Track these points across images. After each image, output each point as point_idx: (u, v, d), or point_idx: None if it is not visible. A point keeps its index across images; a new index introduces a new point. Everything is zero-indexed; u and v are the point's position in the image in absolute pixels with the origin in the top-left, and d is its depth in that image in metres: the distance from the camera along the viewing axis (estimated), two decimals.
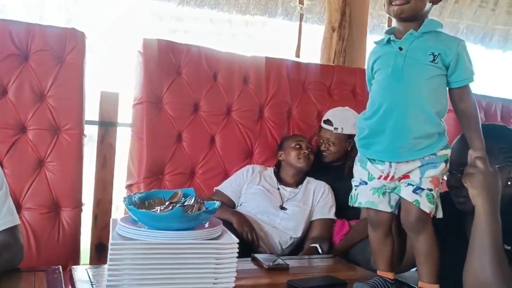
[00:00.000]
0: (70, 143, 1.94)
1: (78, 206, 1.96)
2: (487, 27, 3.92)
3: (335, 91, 2.56)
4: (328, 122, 2.24)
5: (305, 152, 2.09)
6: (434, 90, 1.13)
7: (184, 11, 2.95)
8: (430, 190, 1.13)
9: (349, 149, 2.23)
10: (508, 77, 3.93)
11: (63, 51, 1.97)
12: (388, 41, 1.17)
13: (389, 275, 1.25)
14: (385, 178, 1.17)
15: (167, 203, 1.10)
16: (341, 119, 2.23)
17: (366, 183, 1.21)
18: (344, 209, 2.12)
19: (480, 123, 1.16)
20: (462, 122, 1.16)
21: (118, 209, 2.55)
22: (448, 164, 1.16)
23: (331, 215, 2.06)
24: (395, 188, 1.18)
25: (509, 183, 1.21)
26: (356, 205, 1.25)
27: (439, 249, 1.18)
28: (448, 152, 1.16)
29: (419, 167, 1.14)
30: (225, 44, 3.03)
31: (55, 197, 1.90)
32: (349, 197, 1.28)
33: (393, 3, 1.13)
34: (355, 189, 1.25)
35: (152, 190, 1.20)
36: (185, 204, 1.08)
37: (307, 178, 2.14)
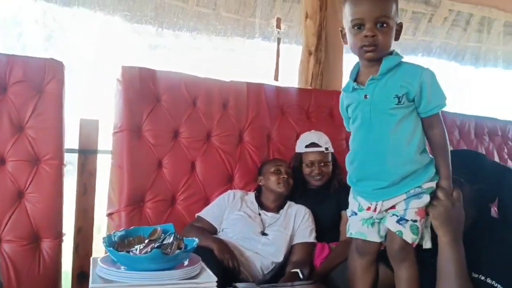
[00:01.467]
0: (50, 173, 1.94)
1: (58, 236, 1.95)
2: (460, 45, 4.04)
3: (313, 114, 2.61)
4: (313, 145, 2.27)
5: (284, 177, 2.12)
6: (408, 129, 1.15)
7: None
8: (415, 221, 1.15)
9: (332, 167, 2.28)
10: (481, 93, 4.04)
11: (42, 81, 1.98)
12: (354, 88, 1.19)
13: None
14: (373, 211, 1.20)
15: (146, 241, 1.12)
16: (324, 141, 2.28)
17: (356, 214, 1.25)
18: (324, 232, 2.17)
19: (449, 151, 1.18)
20: (432, 148, 1.19)
21: (100, 232, 2.54)
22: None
23: (312, 239, 2.09)
24: (382, 218, 1.21)
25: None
26: (348, 235, 1.29)
27: (419, 279, 1.20)
28: (435, 184, 1.18)
29: (405, 199, 1.17)
30: (205, 58, 3.06)
31: (35, 229, 1.90)
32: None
33: (364, 49, 1.15)
34: (349, 219, 1.29)
35: (131, 228, 1.22)
36: (164, 242, 1.10)
37: (288, 203, 2.18)
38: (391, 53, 1.18)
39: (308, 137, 2.32)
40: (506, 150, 3.28)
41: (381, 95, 1.14)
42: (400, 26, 1.20)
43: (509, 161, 3.27)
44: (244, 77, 2.76)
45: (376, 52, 1.14)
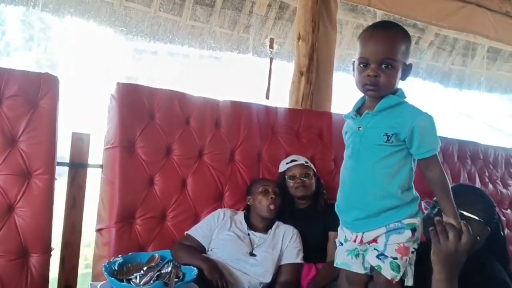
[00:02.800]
0: (41, 188, 1.94)
1: (47, 251, 1.95)
2: (445, 67, 4.16)
3: (303, 134, 2.66)
4: (293, 161, 2.35)
5: (272, 196, 2.15)
6: (392, 167, 1.18)
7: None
8: (395, 258, 1.18)
9: (316, 186, 2.33)
10: (464, 115, 4.15)
11: (37, 96, 1.98)
12: (352, 117, 1.25)
13: None
14: (356, 241, 1.24)
15: (145, 269, 1.14)
16: (304, 159, 2.38)
17: (342, 244, 1.29)
18: (311, 252, 2.21)
19: (450, 188, 1.19)
20: (432, 188, 1.20)
21: (90, 246, 2.52)
22: (416, 233, 1.21)
23: (299, 260, 2.12)
24: (366, 250, 1.25)
25: (478, 238, 1.29)
26: (334, 265, 1.32)
27: None
28: (417, 221, 1.20)
29: (385, 233, 1.20)
30: (194, 65, 3.08)
31: (24, 243, 1.89)
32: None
33: (366, 87, 1.20)
34: (337, 248, 1.33)
35: (129, 254, 1.23)
36: (162, 270, 1.12)
37: (276, 223, 2.21)
38: (396, 91, 1.22)
39: (287, 158, 2.42)
40: (487, 174, 3.38)
41: (373, 130, 1.19)
42: (409, 67, 1.23)
43: (489, 184, 3.36)
44: (234, 91, 2.81)
45: (377, 92, 1.19)
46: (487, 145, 3.47)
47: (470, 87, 4.27)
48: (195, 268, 1.17)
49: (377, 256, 1.20)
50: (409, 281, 1.22)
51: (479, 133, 3.81)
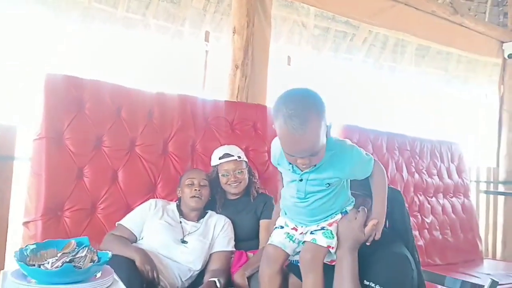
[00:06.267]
0: None
1: None
2: (377, 63, 4.34)
3: (237, 126, 2.71)
4: (226, 155, 2.36)
5: (196, 189, 2.17)
6: (335, 197, 1.31)
7: None
8: (324, 228, 1.31)
9: (248, 176, 2.38)
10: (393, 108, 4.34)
11: None
12: (292, 168, 1.29)
13: None
14: (296, 230, 1.37)
15: (59, 255, 1.14)
16: (237, 151, 2.39)
17: (282, 227, 1.38)
18: (243, 241, 2.27)
19: (386, 194, 1.35)
20: (372, 189, 1.35)
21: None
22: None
23: (230, 247, 2.17)
24: (302, 241, 1.36)
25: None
26: (269, 242, 1.41)
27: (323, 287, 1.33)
28: (350, 206, 1.38)
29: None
30: (129, 57, 3.03)
31: None
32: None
33: (304, 168, 1.22)
34: (274, 230, 1.41)
35: (45, 241, 1.23)
36: (77, 255, 1.13)
37: (209, 213, 2.25)
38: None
39: (220, 150, 2.41)
40: (414, 164, 3.58)
41: (314, 181, 1.27)
42: (329, 127, 1.22)
43: (416, 174, 3.57)
44: (172, 84, 2.81)
45: (311, 163, 1.22)
46: (414, 137, 3.67)
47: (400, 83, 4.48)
48: (109, 252, 1.18)
49: (311, 233, 1.33)
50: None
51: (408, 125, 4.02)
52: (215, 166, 2.37)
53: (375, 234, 1.31)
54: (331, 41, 3.88)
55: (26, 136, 2.24)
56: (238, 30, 2.96)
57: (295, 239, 1.35)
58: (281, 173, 1.39)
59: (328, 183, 1.26)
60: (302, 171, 1.24)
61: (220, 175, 2.33)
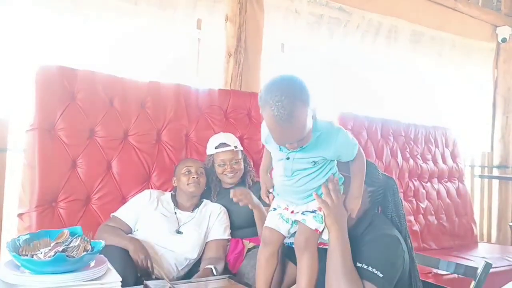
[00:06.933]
0: None
1: None
2: (371, 49, 4.32)
3: (231, 114, 2.70)
4: (222, 145, 2.35)
5: (194, 177, 2.18)
6: (321, 175, 1.31)
7: None
8: (315, 211, 1.32)
9: (244, 165, 2.38)
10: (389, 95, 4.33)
11: None
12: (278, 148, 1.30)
13: None
14: (287, 209, 1.37)
15: (52, 245, 1.14)
16: (233, 140, 2.38)
17: (275, 209, 1.39)
18: (239, 229, 2.27)
19: (364, 177, 1.36)
20: (351, 173, 1.37)
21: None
22: None
23: (226, 236, 2.18)
24: (294, 221, 1.36)
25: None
26: (265, 225, 1.42)
27: (318, 268, 1.35)
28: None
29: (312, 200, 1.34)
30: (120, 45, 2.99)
31: None
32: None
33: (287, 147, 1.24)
34: (268, 213, 1.42)
35: (37, 231, 1.23)
36: (70, 245, 1.13)
37: (204, 202, 2.25)
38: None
39: (216, 138, 2.40)
40: (408, 150, 3.59)
41: (301, 159, 1.28)
42: (314, 111, 1.22)
43: (410, 159, 3.58)
44: (165, 74, 2.79)
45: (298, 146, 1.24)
46: (409, 123, 3.68)
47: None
48: (102, 241, 1.18)
49: (302, 213, 1.34)
50: (325, 235, 1.35)
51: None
52: (210, 155, 2.36)
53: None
54: (325, 28, 3.85)
55: (19, 128, 2.23)
56: (230, 18, 2.94)
57: (287, 218, 1.37)
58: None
59: (314, 161, 1.28)
60: (289, 150, 1.26)
61: (216, 164, 2.33)
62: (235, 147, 2.35)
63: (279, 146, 1.28)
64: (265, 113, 1.15)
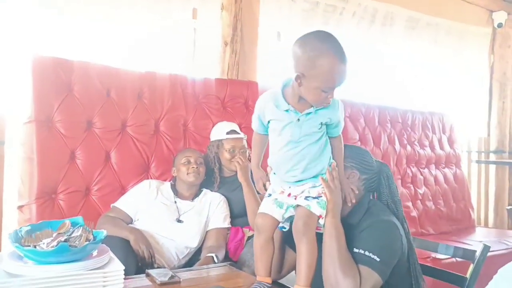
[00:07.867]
0: None
1: None
2: (367, 37, 4.31)
3: (228, 104, 2.70)
4: (233, 132, 2.35)
5: (193, 167, 2.19)
6: (323, 143, 1.35)
7: None
8: (319, 197, 1.34)
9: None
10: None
11: None
12: (288, 109, 1.31)
13: (267, 280, 1.42)
14: (283, 193, 1.37)
15: (54, 235, 1.15)
16: (239, 129, 2.40)
17: (270, 195, 1.40)
18: (238, 218, 2.28)
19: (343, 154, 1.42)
20: (333, 153, 1.40)
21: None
22: None
23: (226, 224, 2.19)
24: (292, 205, 1.37)
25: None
26: (259, 211, 1.42)
27: (317, 252, 1.36)
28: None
29: (310, 187, 1.36)
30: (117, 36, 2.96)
31: None
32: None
33: (319, 104, 1.29)
34: (263, 200, 1.43)
35: (39, 222, 1.23)
36: (72, 235, 1.14)
37: (204, 191, 2.25)
38: None
39: (226, 125, 2.41)
40: (405, 136, 3.60)
41: (311, 121, 1.32)
42: None
43: (408, 146, 3.59)
44: (161, 63, 2.78)
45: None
46: (406, 110, 3.69)
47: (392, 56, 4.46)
48: (104, 230, 1.19)
49: (305, 198, 1.35)
50: (321, 220, 1.37)
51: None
52: (218, 140, 2.35)
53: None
54: (320, 15, 3.84)
55: (16, 121, 2.22)
56: (226, 6, 2.92)
57: (282, 203, 1.38)
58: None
59: (321, 123, 1.32)
60: (301, 112, 1.30)
61: (224, 150, 2.32)
62: (244, 135, 2.37)
63: (288, 110, 1.30)
64: (325, 58, 1.22)
